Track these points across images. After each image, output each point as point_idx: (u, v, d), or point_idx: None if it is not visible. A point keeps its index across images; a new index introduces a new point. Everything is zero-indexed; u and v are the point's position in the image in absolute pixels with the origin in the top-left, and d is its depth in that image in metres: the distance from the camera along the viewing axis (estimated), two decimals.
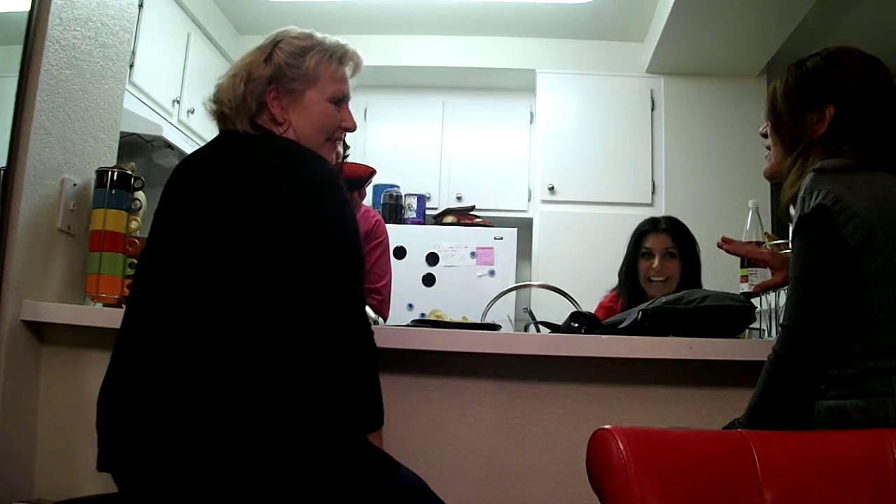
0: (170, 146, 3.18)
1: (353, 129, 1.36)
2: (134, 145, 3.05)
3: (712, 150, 3.79)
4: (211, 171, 1.21)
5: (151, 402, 1.04)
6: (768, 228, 2.18)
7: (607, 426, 0.93)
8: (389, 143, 4.04)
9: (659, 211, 3.45)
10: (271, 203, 1.13)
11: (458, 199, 4.06)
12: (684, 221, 2.25)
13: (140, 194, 1.68)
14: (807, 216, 1.12)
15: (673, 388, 1.46)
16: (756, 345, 1.40)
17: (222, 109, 1.26)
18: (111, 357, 1.14)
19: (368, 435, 1.14)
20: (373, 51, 4.04)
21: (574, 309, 2.14)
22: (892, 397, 1.04)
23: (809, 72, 1.25)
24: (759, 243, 1.55)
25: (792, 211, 1.22)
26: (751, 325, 1.50)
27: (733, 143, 3.79)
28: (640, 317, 1.46)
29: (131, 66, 2.84)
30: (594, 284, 2.40)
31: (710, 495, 0.90)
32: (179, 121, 3.36)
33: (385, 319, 2.22)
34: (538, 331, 1.71)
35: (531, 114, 4.15)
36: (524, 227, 3.98)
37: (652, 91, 3.90)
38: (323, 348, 1.10)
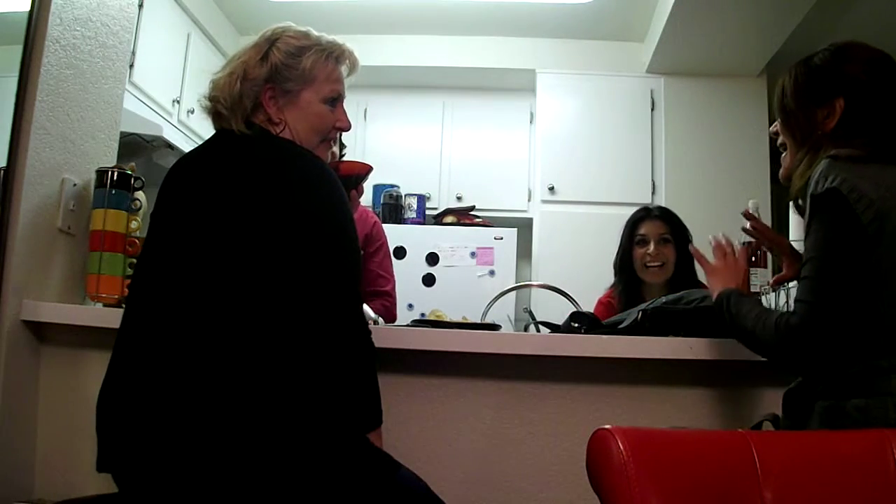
0: (170, 146, 3.18)
1: (347, 128, 1.36)
2: (134, 145, 3.05)
3: (712, 150, 3.79)
4: (207, 171, 1.21)
5: (151, 403, 1.04)
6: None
7: (607, 426, 0.93)
8: (389, 143, 4.04)
9: None
10: (268, 203, 1.13)
11: (458, 199, 4.06)
12: (684, 221, 2.27)
13: (140, 194, 1.68)
14: (821, 196, 1.10)
15: (673, 388, 1.46)
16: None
17: (217, 107, 1.26)
18: (111, 358, 1.14)
19: (368, 434, 1.14)
20: (373, 51, 4.07)
21: (574, 309, 2.13)
22: (892, 397, 1.03)
23: (818, 67, 1.25)
24: (759, 243, 1.55)
25: (799, 203, 1.21)
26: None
27: (733, 143, 3.79)
28: (640, 317, 1.46)
29: (131, 66, 2.84)
30: (594, 284, 2.40)
31: (710, 495, 0.90)
32: (179, 121, 3.37)
33: (394, 321, 2.22)
34: (538, 331, 1.71)
35: (531, 114, 4.15)
36: (524, 227, 3.98)
37: (652, 91, 3.90)
38: (321, 347, 1.10)
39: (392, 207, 3.90)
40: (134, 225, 1.67)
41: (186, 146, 3.19)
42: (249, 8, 3.69)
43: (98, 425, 1.09)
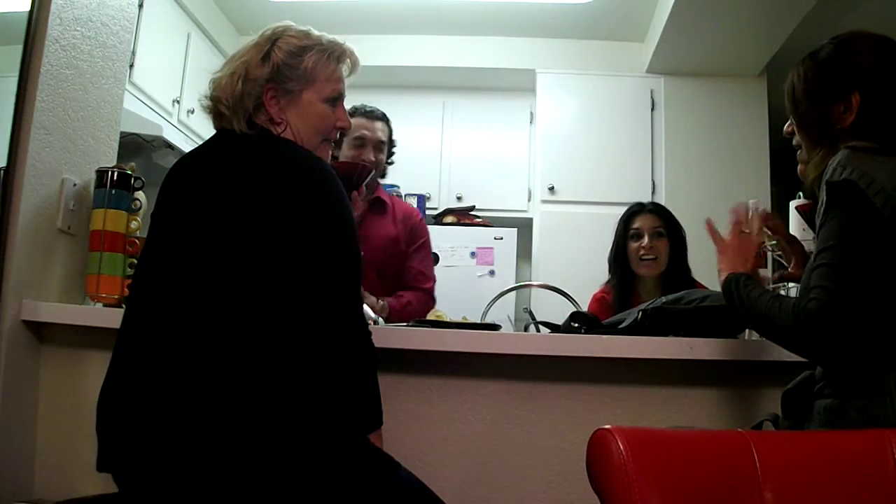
0: (170, 146, 3.18)
1: (348, 128, 1.37)
2: (134, 145, 3.05)
3: (712, 150, 3.79)
4: (208, 171, 1.21)
5: (151, 403, 1.04)
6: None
7: (607, 426, 0.93)
8: None
9: None
10: (269, 203, 1.13)
11: (458, 199, 4.06)
12: (684, 222, 2.30)
13: (140, 194, 1.68)
14: (838, 185, 1.09)
15: (673, 388, 1.46)
16: (756, 345, 1.40)
17: (219, 107, 1.25)
18: (111, 358, 1.14)
19: (368, 435, 1.14)
20: (373, 51, 4.07)
21: (574, 309, 2.13)
22: (891, 396, 1.03)
23: (825, 62, 1.23)
24: (759, 243, 1.54)
25: (814, 191, 1.20)
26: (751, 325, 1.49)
27: (733, 143, 3.80)
28: (640, 317, 1.46)
29: (131, 66, 2.84)
30: (594, 284, 2.40)
31: (710, 495, 0.90)
32: (179, 121, 3.37)
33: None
34: (538, 331, 1.71)
35: (531, 114, 4.15)
36: (524, 227, 3.98)
37: (652, 91, 3.90)
38: (321, 348, 1.10)
39: None
40: (134, 225, 1.67)
41: (186, 146, 3.19)
42: (249, 8, 3.69)
43: (98, 425, 1.09)
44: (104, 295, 1.61)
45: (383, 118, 2.25)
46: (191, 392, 1.03)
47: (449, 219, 3.93)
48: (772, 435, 1.12)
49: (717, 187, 3.66)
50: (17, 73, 1.53)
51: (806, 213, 1.48)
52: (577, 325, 1.53)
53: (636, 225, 2.22)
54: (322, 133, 1.32)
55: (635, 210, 2.27)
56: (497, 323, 1.71)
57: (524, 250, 3.99)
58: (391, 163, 2.29)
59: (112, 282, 1.61)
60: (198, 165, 1.24)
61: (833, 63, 1.22)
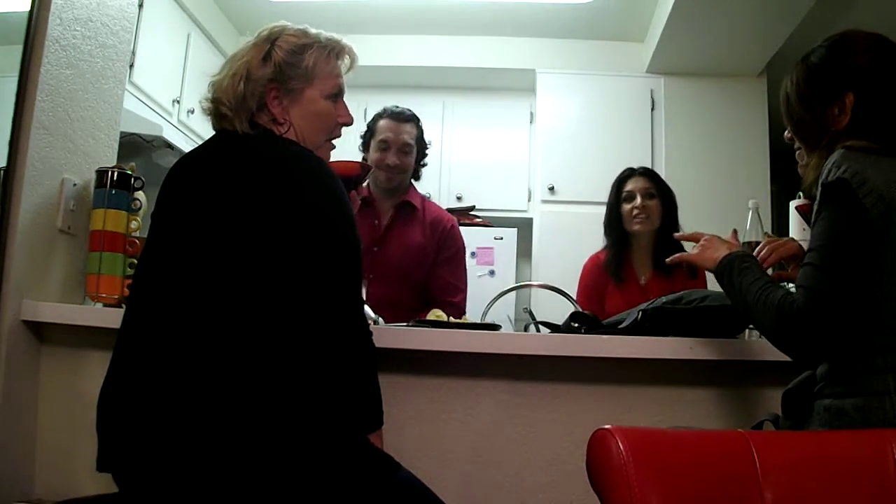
0: (170, 146, 3.18)
1: (350, 123, 1.37)
2: (134, 145, 3.05)
3: (712, 151, 3.79)
4: (208, 171, 1.21)
5: (151, 403, 1.04)
6: (768, 228, 2.18)
7: (607, 426, 0.93)
8: None
9: None
10: (269, 203, 1.12)
11: (458, 199, 4.06)
12: (683, 221, 2.33)
13: (140, 194, 1.68)
14: (831, 185, 1.09)
15: (673, 388, 1.46)
16: (756, 345, 1.40)
17: (220, 109, 1.25)
18: (112, 358, 1.14)
19: (369, 435, 1.14)
20: (373, 51, 4.07)
21: (574, 309, 2.13)
22: (890, 396, 1.03)
23: (817, 65, 1.23)
24: (759, 243, 1.55)
25: (812, 194, 1.20)
26: (751, 325, 1.49)
27: (733, 144, 3.80)
28: (640, 317, 1.46)
29: (131, 66, 2.84)
30: None
31: (709, 495, 0.90)
32: (179, 121, 3.37)
33: None
34: (538, 331, 1.71)
35: (531, 114, 4.15)
36: (524, 227, 3.98)
37: (652, 91, 3.90)
38: (322, 348, 1.10)
39: None
40: (134, 225, 1.67)
41: (186, 146, 3.19)
42: (249, 8, 3.69)
43: (98, 425, 1.09)
44: (104, 295, 1.61)
45: (411, 119, 2.20)
46: (191, 392, 1.03)
47: None
48: (772, 435, 1.12)
49: (717, 187, 3.67)
50: (17, 73, 1.53)
51: (806, 213, 1.49)
52: (577, 325, 1.53)
53: (628, 188, 2.31)
54: (325, 130, 1.32)
55: (626, 174, 2.36)
56: (497, 323, 1.71)
57: (524, 250, 3.99)
58: (424, 164, 2.25)
59: (112, 282, 1.61)
60: (198, 166, 1.24)
61: (825, 65, 1.22)
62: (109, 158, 1.78)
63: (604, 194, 3.81)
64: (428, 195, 3.98)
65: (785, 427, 1.21)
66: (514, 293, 3.23)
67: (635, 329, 1.46)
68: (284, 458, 1.01)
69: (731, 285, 1.22)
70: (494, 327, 1.60)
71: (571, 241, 3.65)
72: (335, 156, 1.41)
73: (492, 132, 4.20)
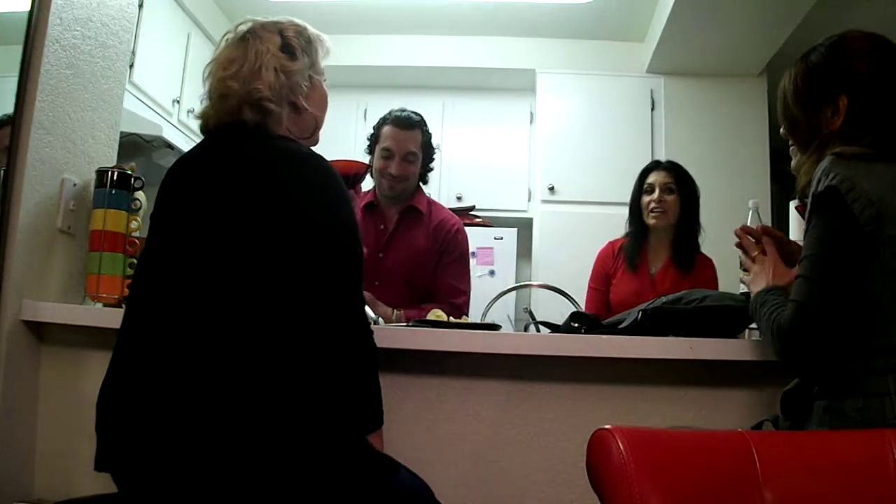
0: (170, 146, 3.18)
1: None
2: (134, 145, 3.06)
3: (712, 150, 3.79)
4: (207, 171, 1.21)
5: (151, 403, 1.04)
6: None
7: (607, 426, 0.93)
8: None
9: None
10: (268, 202, 1.12)
11: (458, 199, 4.06)
12: (700, 240, 2.36)
13: (140, 194, 1.68)
14: (820, 195, 1.10)
15: (673, 388, 1.46)
16: (756, 345, 1.40)
17: (265, 104, 1.21)
18: (111, 358, 1.14)
19: (368, 435, 1.14)
20: (373, 51, 4.07)
21: (574, 309, 2.14)
22: (890, 397, 1.03)
23: (816, 66, 1.23)
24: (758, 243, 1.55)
25: (804, 200, 1.21)
26: (751, 325, 1.49)
27: (733, 143, 3.79)
28: (640, 317, 1.46)
29: (131, 66, 2.84)
30: None
31: (710, 495, 0.90)
32: (179, 121, 3.37)
33: None
34: (538, 331, 1.71)
35: (531, 114, 4.15)
36: (524, 227, 3.98)
37: (652, 91, 3.90)
38: (322, 348, 1.10)
39: None
40: (134, 225, 1.67)
41: (186, 146, 3.19)
42: (249, 8, 3.66)
43: (98, 425, 1.09)
44: (104, 295, 1.61)
45: (417, 126, 2.14)
46: (190, 392, 1.03)
47: None
48: (772, 435, 1.12)
49: (717, 187, 3.65)
50: (17, 73, 1.53)
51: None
52: (577, 325, 1.53)
53: (650, 180, 2.35)
54: (324, 115, 1.36)
55: (651, 167, 2.40)
56: (497, 323, 1.71)
57: (524, 250, 3.99)
58: (431, 169, 2.22)
59: (112, 282, 1.61)
60: (197, 166, 1.24)
61: (822, 66, 1.22)
62: (109, 158, 1.78)
63: (604, 194, 3.82)
64: (427, 195, 4.01)
65: (785, 427, 1.21)
66: (514, 293, 3.24)
67: (635, 329, 1.46)
68: (284, 458, 1.01)
69: (759, 320, 1.24)
70: (494, 327, 1.60)
71: (571, 241, 3.66)
72: (335, 156, 1.41)
73: (492, 132, 4.20)
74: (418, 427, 1.48)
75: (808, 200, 1.14)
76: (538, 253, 3.81)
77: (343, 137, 3.46)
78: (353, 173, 1.55)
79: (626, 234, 2.40)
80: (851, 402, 1.07)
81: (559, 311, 1.83)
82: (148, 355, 1.08)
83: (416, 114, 2.18)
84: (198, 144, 1.30)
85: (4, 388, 1.47)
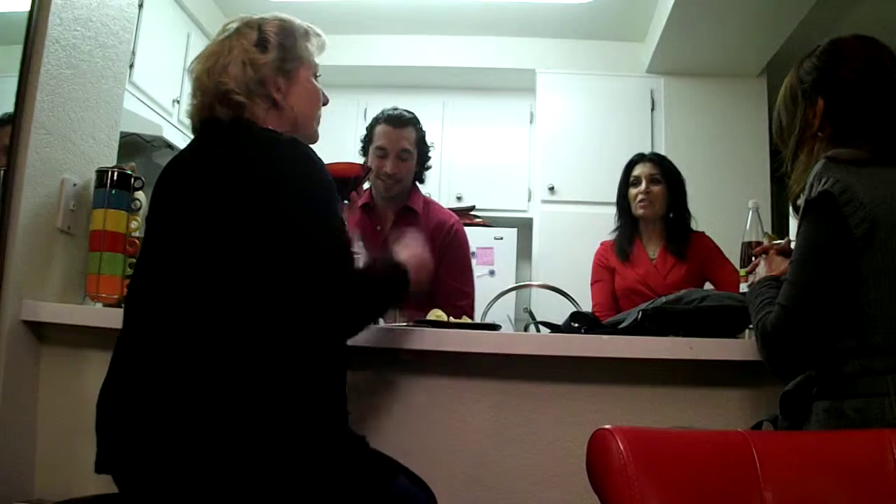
0: (170, 146, 3.18)
1: (327, 102, 1.37)
2: (134, 145, 3.06)
3: (712, 150, 3.79)
4: (191, 169, 1.20)
5: (149, 405, 1.04)
6: (768, 228, 2.19)
7: (607, 426, 0.93)
8: None
9: None
10: (250, 196, 1.11)
11: (458, 199, 4.06)
12: (692, 226, 2.38)
13: (140, 194, 1.68)
14: (813, 200, 1.11)
15: (673, 388, 1.46)
16: (756, 345, 1.40)
17: (233, 97, 1.21)
18: (111, 360, 1.13)
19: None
20: (373, 51, 4.07)
21: (574, 309, 2.14)
22: (889, 397, 1.03)
23: (804, 71, 1.24)
24: (759, 243, 1.55)
25: (800, 201, 1.21)
26: (751, 325, 1.49)
27: (733, 144, 3.79)
28: (640, 317, 1.46)
29: (131, 66, 2.84)
30: None
31: (710, 495, 0.90)
32: (179, 121, 3.37)
33: None
34: (538, 331, 1.71)
35: (531, 114, 4.15)
36: (524, 227, 3.98)
37: (652, 91, 3.90)
38: (322, 348, 1.10)
39: None
40: (134, 225, 1.67)
41: None
42: (249, 8, 3.67)
43: (97, 427, 1.09)
44: (104, 295, 1.61)
45: (410, 123, 2.13)
46: (189, 392, 1.03)
47: None
48: (772, 435, 1.12)
49: (717, 187, 3.66)
50: (17, 73, 1.53)
51: None
52: (577, 325, 1.53)
53: (636, 173, 2.37)
54: (316, 111, 1.34)
55: (635, 159, 2.42)
56: (497, 323, 1.71)
57: (524, 250, 3.99)
58: (428, 167, 2.20)
59: (112, 282, 1.61)
60: (183, 165, 1.23)
61: (809, 70, 1.23)
62: (109, 158, 1.78)
63: (604, 194, 3.81)
64: (427, 195, 4.01)
65: (784, 428, 1.21)
66: (514, 293, 3.23)
67: (635, 329, 1.46)
68: (283, 459, 1.01)
69: (752, 314, 1.25)
70: (494, 327, 1.60)
71: (571, 241, 3.66)
72: (335, 156, 1.41)
73: (492, 132, 4.20)
74: (419, 427, 1.48)
75: (801, 204, 1.15)
76: (538, 253, 3.81)
77: (343, 137, 3.46)
78: (353, 176, 1.55)
79: (616, 229, 2.42)
80: (851, 402, 1.08)
81: (559, 311, 1.83)
82: (145, 358, 1.08)
83: (409, 111, 2.17)
84: (187, 145, 1.29)
85: (4, 388, 1.47)
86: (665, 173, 2.34)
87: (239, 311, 1.07)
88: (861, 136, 1.17)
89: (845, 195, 1.08)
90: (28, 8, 1.54)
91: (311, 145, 1.21)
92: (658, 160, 2.39)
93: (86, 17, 1.68)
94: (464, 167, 4.11)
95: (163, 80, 3.23)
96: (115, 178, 1.63)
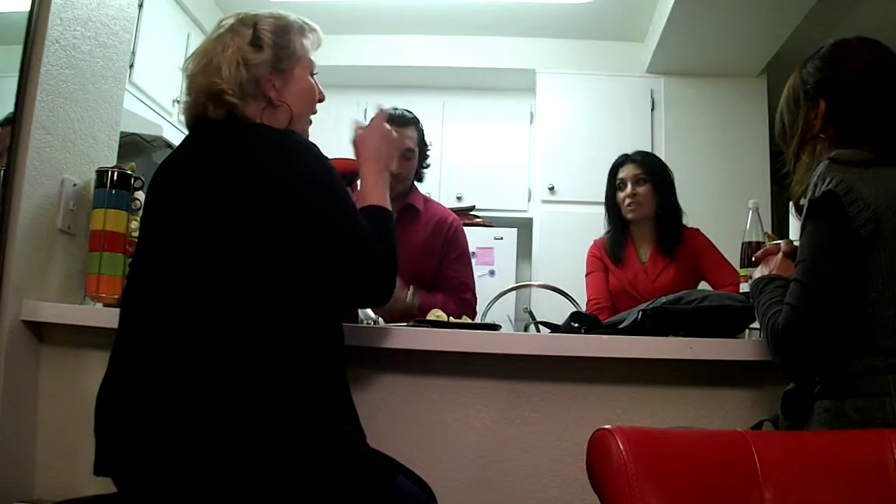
0: (170, 146, 3.18)
1: (323, 99, 1.37)
2: (134, 145, 3.06)
3: (712, 150, 3.79)
4: (183, 168, 1.20)
5: (147, 406, 1.04)
6: (768, 228, 2.18)
7: (607, 426, 0.93)
8: None
9: None
10: (245, 193, 1.10)
11: (458, 199, 4.06)
12: (684, 222, 2.35)
13: (140, 194, 1.68)
14: (817, 200, 1.11)
15: (673, 388, 1.46)
16: (756, 345, 1.40)
17: (225, 97, 1.20)
18: (109, 361, 1.13)
19: None
20: (373, 51, 4.07)
21: (574, 309, 2.14)
22: (890, 397, 1.03)
23: (807, 73, 1.25)
24: (759, 243, 1.55)
25: (803, 202, 1.21)
26: (751, 326, 1.49)
27: (733, 144, 3.80)
28: (640, 317, 1.46)
29: (131, 66, 2.84)
30: None
31: (709, 495, 0.90)
32: (179, 121, 3.36)
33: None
34: (538, 331, 1.71)
35: (531, 114, 4.15)
36: (524, 227, 3.98)
37: (652, 91, 3.90)
38: (322, 348, 1.10)
39: None
40: (134, 225, 1.67)
41: None
42: (249, 8, 3.68)
43: (96, 429, 1.09)
44: (104, 295, 1.61)
45: (412, 123, 2.16)
46: (188, 393, 1.03)
47: None
48: (772, 435, 1.12)
49: (718, 187, 3.66)
50: (17, 73, 1.53)
51: None
52: (577, 325, 1.53)
53: (621, 175, 2.36)
54: (312, 107, 1.33)
55: (619, 162, 2.40)
56: (497, 323, 1.71)
57: (524, 250, 3.99)
58: (427, 165, 2.23)
59: (112, 282, 1.61)
60: (176, 164, 1.23)
61: (811, 72, 1.24)
62: (109, 158, 1.78)
63: (604, 194, 3.82)
64: (427, 195, 4.01)
65: (785, 427, 1.21)
66: (514, 293, 3.23)
67: (635, 329, 1.46)
68: (283, 460, 1.01)
69: (756, 310, 1.25)
70: (494, 327, 1.60)
71: (571, 241, 3.65)
72: (335, 155, 1.40)
73: (492, 132, 4.20)
74: (419, 427, 1.48)
75: (805, 205, 1.15)
76: (538, 253, 3.81)
77: (343, 137, 3.46)
78: (352, 171, 1.55)
79: (607, 233, 2.40)
80: (852, 402, 1.08)
81: (559, 311, 1.84)
82: (143, 359, 1.08)
83: (409, 111, 2.19)
84: (180, 143, 1.29)
85: (4, 388, 1.47)
86: (649, 172, 2.32)
87: (238, 311, 1.07)
88: (863, 137, 1.17)
89: (850, 195, 1.08)
90: (28, 8, 1.54)
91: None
92: (641, 160, 2.37)
93: (86, 17, 1.68)
94: (464, 167, 4.11)
95: (163, 80, 3.23)
96: (115, 178, 1.63)
